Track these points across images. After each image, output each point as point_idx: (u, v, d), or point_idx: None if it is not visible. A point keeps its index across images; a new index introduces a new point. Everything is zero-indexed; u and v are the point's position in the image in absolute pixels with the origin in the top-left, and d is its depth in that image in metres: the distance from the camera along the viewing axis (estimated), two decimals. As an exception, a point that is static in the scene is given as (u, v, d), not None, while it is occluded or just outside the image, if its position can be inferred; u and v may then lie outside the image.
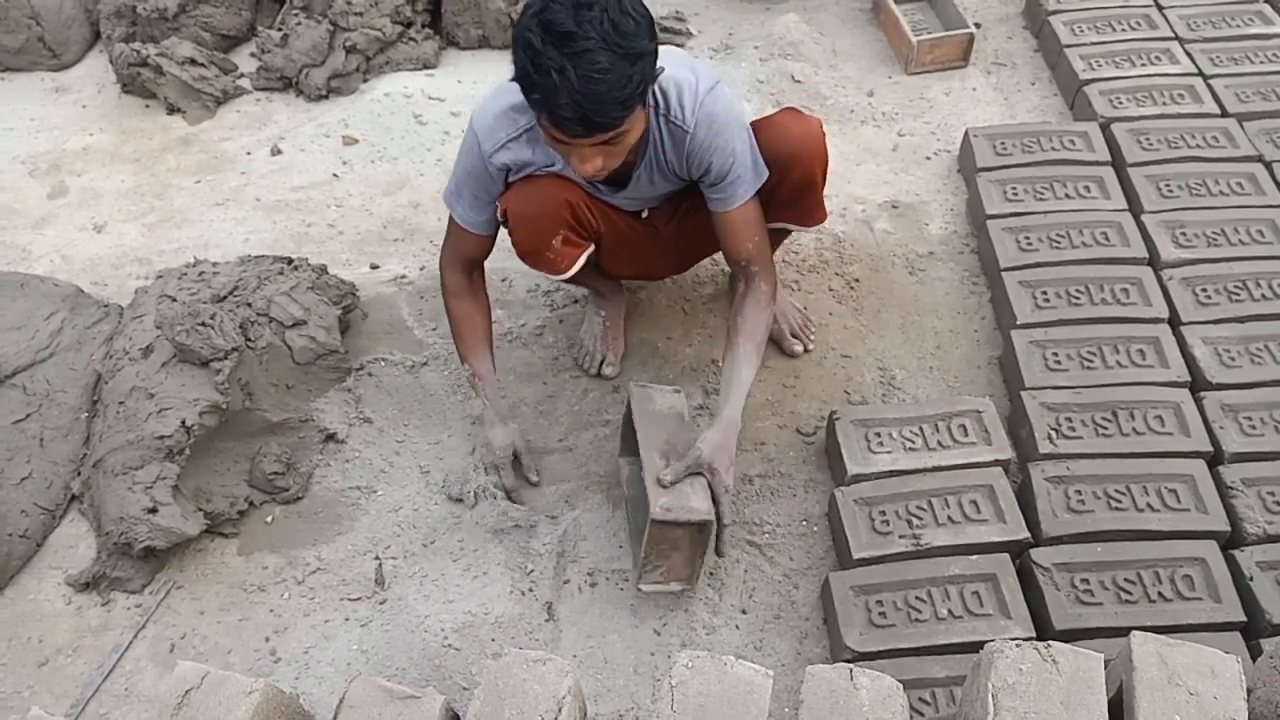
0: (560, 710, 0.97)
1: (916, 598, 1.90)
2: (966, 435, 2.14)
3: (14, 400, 2.30)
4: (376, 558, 2.13)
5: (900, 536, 1.98)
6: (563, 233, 2.05)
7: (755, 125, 2.07)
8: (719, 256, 2.54)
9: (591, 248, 2.16)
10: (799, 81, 3.15)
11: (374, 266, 2.76)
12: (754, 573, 2.07)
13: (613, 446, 2.29)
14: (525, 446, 2.24)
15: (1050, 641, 1.02)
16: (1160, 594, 1.89)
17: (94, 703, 1.94)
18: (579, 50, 1.59)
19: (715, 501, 1.90)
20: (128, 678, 1.97)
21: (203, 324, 2.20)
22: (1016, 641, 0.99)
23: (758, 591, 2.04)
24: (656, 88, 1.87)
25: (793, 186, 2.10)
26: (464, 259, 2.16)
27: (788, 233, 2.33)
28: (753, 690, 0.99)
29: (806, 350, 2.42)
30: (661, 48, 1.81)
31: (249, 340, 2.27)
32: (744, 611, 2.01)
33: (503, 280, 2.67)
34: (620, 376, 2.42)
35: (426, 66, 3.36)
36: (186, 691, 1.02)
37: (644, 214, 2.22)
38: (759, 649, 1.96)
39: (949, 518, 2.01)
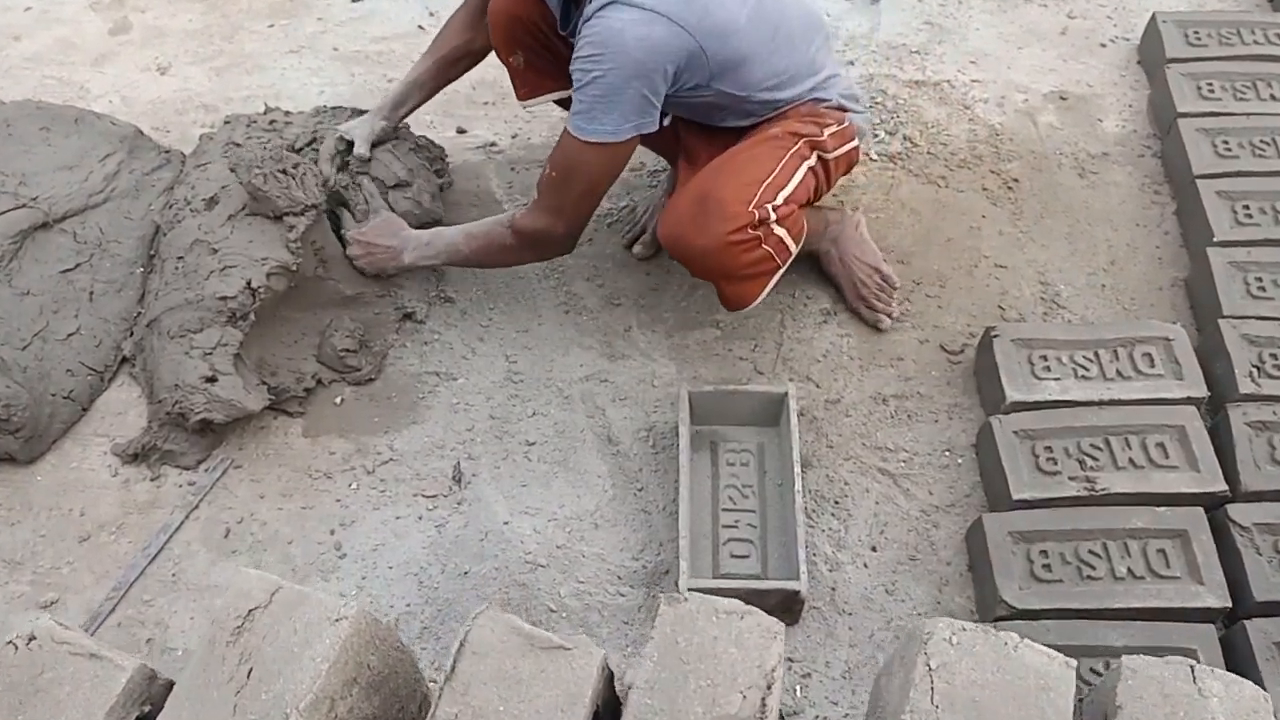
0: (769, 687, 0.70)
1: (1090, 551, 1.60)
2: (1153, 366, 1.81)
3: (63, 247, 2.07)
4: (457, 459, 1.88)
5: (1071, 478, 1.68)
6: (521, 54, 1.92)
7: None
8: None
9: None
10: (955, -52, 2.73)
11: (461, 131, 2.46)
12: (886, 505, 1.78)
13: (722, 348, 2.00)
14: (367, 137, 2.09)
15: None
16: (1387, 570, 1.57)
17: (138, 586, 1.74)
18: None
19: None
20: (176, 562, 1.77)
21: (284, 171, 1.93)
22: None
23: (890, 527, 1.76)
24: None
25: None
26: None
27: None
28: (1049, 687, 0.71)
29: (892, 319, 2.00)
30: None
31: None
32: (874, 549, 1.74)
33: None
34: (653, 261, 2.14)
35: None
36: (250, 611, 0.75)
37: None
38: (890, 593, 1.69)
39: (1130, 460, 1.69)
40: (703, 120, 1.90)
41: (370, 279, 2.05)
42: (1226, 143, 2.17)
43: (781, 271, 1.85)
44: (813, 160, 1.81)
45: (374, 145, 2.10)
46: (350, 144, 2.09)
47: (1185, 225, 2.14)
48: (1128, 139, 2.32)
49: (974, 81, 2.45)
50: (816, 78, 1.85)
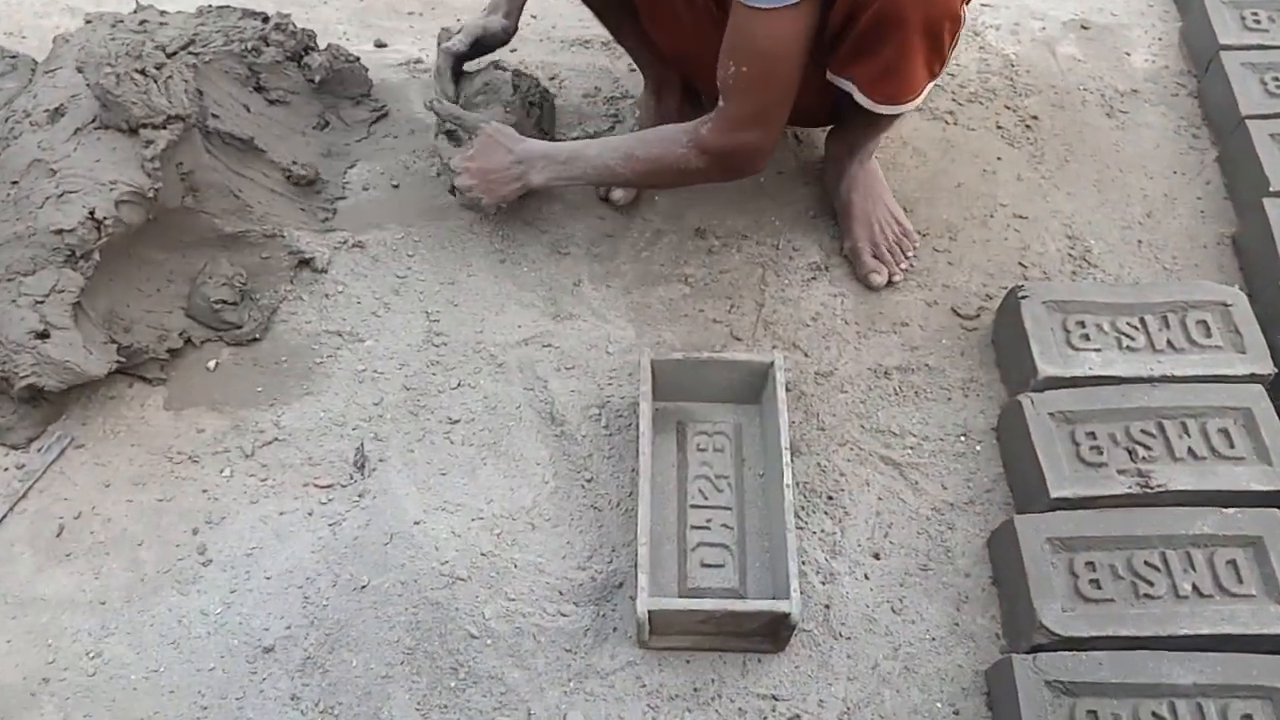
0: None
1: (1146, 563, 1.30)
2: (1209, 336, 1.51)
3: None
4: (360, 440, 1.52)
5: (1120, 471, 1.37)
6: None
7: None
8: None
9: None
10: None
11: (380, 45, 2.08)
12: (891, 502, 1.46)
13: (691, 308, 1.66)
14: (494, 34, 1.75)
15: None
16: None
17: (-58, 599, 1.35)
18: None
19: None
20: (-8, 568, 1.38)
21: (142, 72, 1.53)
22: None
23: (896, 529, 1.44)
24: None
25: (864, 29, 1.36)
26: None
27: (871, 117, 1.51)
28: None
29: (891, 282, 1.67)
30: None
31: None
32: (876, 556, 1.41)
33: (551, 78, 2.00)
34: (636, 207, 1.78)
35: None
36: None
37: None
38: (898, 612, 1.36)
39: (1189, 450, 1.39)
40: None
41: (257, 217, 1.66)
42: (1278, 79, 1.87)
43: (927, 91, 1.47)
44: None
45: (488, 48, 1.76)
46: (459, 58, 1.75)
47: (1231, 174, 1.84)
48: (1159, 75, 2.01)
49: (984, 5, 2.12)
50: None
